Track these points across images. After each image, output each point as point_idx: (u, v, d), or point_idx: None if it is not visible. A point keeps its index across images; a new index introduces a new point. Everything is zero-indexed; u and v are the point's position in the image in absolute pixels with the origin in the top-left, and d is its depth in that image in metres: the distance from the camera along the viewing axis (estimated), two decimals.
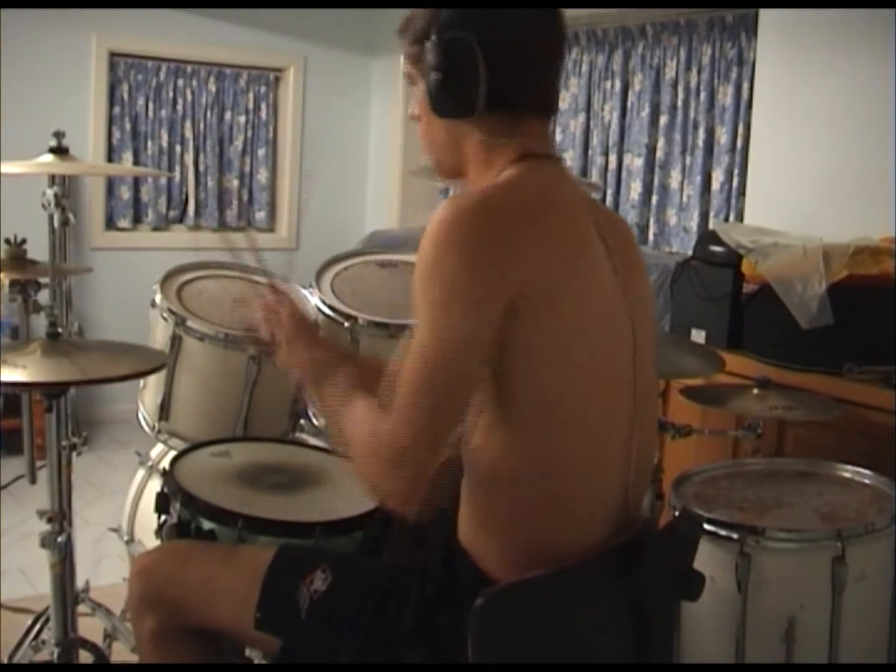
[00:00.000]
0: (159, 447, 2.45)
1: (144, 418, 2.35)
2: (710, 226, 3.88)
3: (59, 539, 2.08)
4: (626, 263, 1.45)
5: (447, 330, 1.24)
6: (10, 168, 2.06)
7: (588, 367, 1.34)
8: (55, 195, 2.24)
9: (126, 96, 5.07)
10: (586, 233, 1.39)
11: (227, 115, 5.34)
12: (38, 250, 2.38)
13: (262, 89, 5.41)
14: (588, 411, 1.35)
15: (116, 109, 5.05)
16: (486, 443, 1.35)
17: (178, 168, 5.26)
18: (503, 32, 1.37)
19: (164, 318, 2.25)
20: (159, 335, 2.28)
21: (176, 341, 2.21)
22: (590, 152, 4.59)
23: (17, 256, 2.34)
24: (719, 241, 3.05)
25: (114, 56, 4.97)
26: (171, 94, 5.17)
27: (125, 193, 5.13)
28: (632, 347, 1.41)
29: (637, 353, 1.42)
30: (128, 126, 5.08)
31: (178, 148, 5.24)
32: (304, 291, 2.47)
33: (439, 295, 1.25)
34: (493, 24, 1.36)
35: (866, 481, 2.19)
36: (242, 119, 5.38)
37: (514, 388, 1.31)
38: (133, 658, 1.76)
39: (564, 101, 4.62)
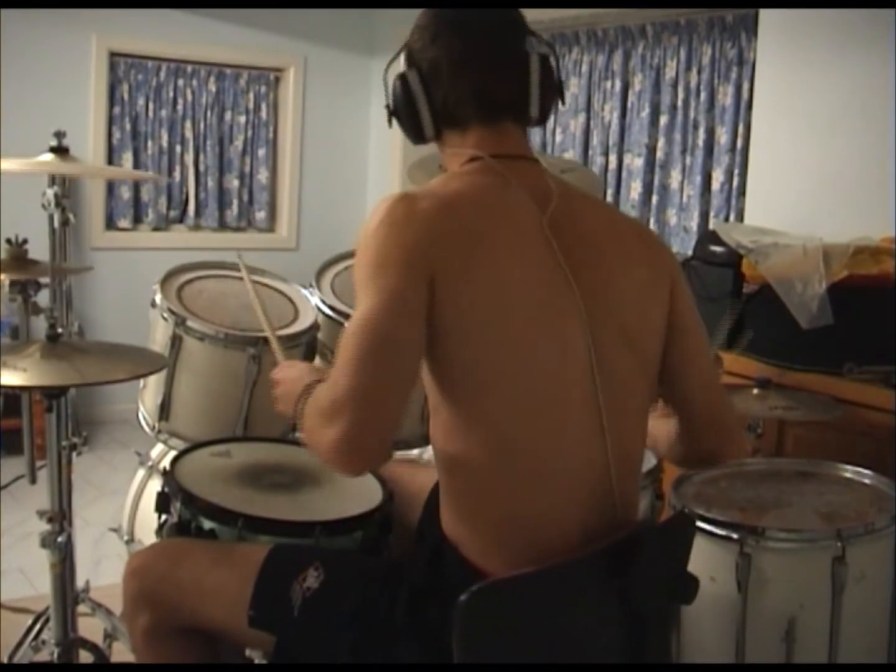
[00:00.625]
0: (159, 447, 2.44)
1: (144, 418, 2.35)
2: (710, 226, 3.88)
3: (59, 539, 2.08)
4: (589, 257, 1.45)
5: (379, 291, 1.33)
6: (10, 165, 2.05)
7: (516, 352, 1.37)
8: (55, 195, 2.24)
9: (126, 96, 5.07)
10: (509, 227, 1.41)
11: (227, 115, 5.34)
12: (39, 250, 2.39)
13: (262, 89, 5.41)
14: (528, 395, 1.37)
15: (116, 109, 5.05)
16: (437, 429, 1.42)
17: (178, 168, 5.26)
18: (435, 58, 1.49)
19: (164, 318, 2.25)
20: (159, 335, 2.27)
21: (176, 341, 2.21)
22: (590, 152, 4.59)
23: (19, 257, 2.34)
24: (719, 241, 3.05)
25: (114, 56, 4.97)
26: (171, 94, 5.17)
27: (125, 193, 5.13)
28: (585, 338, 1.41)
29: (599, 344, 1.41)
30: (128, 126, 5.08)
31: (178, 148, 5.25)
32: (305, 291, 2.47)
33: (372, 259, 1.36)
34: (423, 52, 1.50)
35: (866, 481, 2.19)
36: (242, 119, 5.38)
37: (447, 373, 1.38)
38: (133, 658, 1.77)
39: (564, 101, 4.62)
